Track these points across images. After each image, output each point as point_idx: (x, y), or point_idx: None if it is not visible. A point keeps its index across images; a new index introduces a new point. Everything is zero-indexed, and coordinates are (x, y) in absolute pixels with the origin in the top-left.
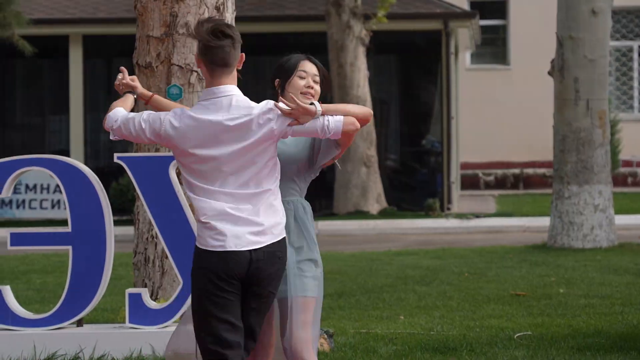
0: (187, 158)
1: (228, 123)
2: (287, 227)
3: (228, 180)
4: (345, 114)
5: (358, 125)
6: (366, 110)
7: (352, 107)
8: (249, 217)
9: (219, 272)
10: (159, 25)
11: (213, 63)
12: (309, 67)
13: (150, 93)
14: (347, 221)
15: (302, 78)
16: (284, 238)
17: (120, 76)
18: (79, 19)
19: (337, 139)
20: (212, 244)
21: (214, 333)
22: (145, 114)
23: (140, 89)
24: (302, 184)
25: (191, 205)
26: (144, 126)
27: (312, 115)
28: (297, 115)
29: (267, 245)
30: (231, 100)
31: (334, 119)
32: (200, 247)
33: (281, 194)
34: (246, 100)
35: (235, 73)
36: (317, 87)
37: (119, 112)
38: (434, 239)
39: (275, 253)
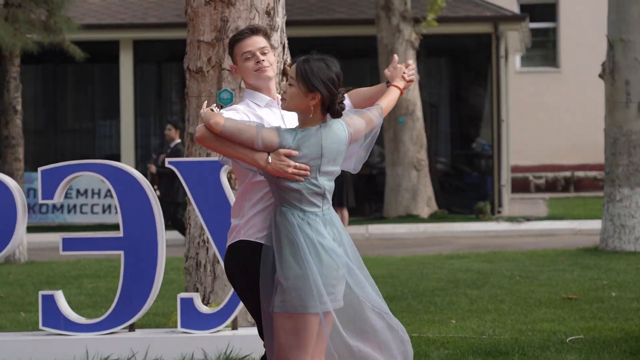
0: None
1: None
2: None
3: None
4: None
5: (197, 136)
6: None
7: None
8: None
9: None
10: (209, 30)
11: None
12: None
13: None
14: (398, 225)
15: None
16: None
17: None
18: (129, 24)
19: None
20: None
21: None
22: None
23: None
24: None
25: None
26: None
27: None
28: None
29: None
30: None
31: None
32: None
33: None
34: None
35: None
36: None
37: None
38: (484, 242)
39: None
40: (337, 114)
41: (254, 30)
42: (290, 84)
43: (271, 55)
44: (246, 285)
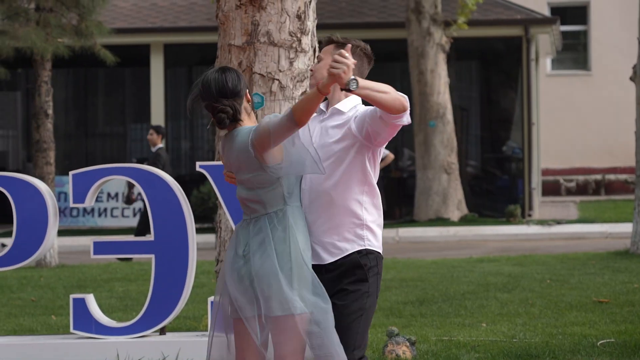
0: None
1: None
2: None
3: None
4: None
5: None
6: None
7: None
8: None
9: None
10: (240, 34)
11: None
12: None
13: None
14: (428, 228)
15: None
16: None
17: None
18: (160, 27)
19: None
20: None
21: None
22: None
23: None
24: None
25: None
26: None
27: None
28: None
29: None
30: None
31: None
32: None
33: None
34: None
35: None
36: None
37: None
38: (515, 245)
39: None
40: (218, 124)
41: (334, 41)
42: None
43: (325, 62)
44: None
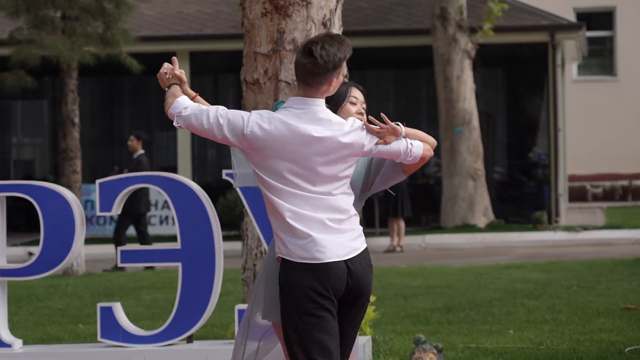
0: (272, 162)
1: (319, 135)
2: None
3: (314, 189)
4: (421, 140)
5: (432, 152)
6: (434, 141)
7: (425, 135)
8: (344, 226)
9: (317, 287)
10: (266, 42)
11: (298, 78)
12: (358, 94)
13: (194, 93)
14: (455, 235)
15: (353, 104)
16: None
17: (167, 66)
18: (185, 35)
19: (407, 164)
20: (307, 255)
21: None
22: (221, 108)
23: (186, 85)
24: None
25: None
26: (221, 122)
27: (398, 135)
28: (384, 135)
29: (362, 251)
30: (322, 114)
31: (417, 143)
32: (291, 259)
33: None
34: (335, 116)
35: (324, 91)
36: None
37: (187, 100)
38: (542, 252)
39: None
40: None
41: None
42: (362, 113)
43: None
44: None
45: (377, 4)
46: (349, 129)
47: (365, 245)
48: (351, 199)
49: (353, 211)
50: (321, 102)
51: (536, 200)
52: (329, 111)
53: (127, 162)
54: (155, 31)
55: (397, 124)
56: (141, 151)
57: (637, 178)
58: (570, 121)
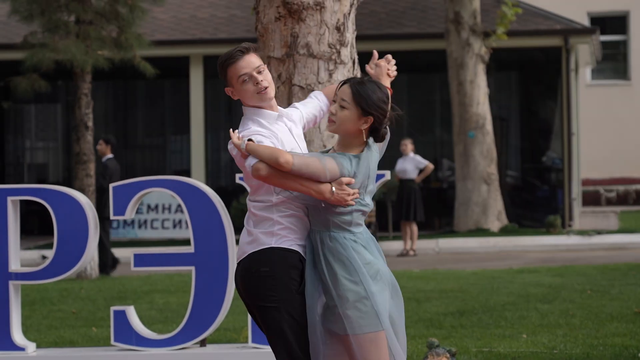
0: None
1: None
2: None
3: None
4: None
5: (263, 174)
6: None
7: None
8: (246, 229)
9: None
10: (279, 46)
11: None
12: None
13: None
14: (468, 239)
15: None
16: (260, 251)
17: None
18: (199, 39)
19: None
20: None
21: None
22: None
23: None
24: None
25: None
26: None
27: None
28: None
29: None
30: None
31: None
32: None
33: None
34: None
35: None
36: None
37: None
38: (555, 256)
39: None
40: (381, 138)
41: (244, 50)
42: (343, 107)
43: (267, 72)
44: (275, 291)
45: (391, 8)
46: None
47: (253, 249)
48: (260, 205)
49: (261, 216)
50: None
51: (550, 205)
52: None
53: (141, 165)
54: (169, 35)
55: (250, 140)
56: (109, 155)
57: None
58: (583, 125)
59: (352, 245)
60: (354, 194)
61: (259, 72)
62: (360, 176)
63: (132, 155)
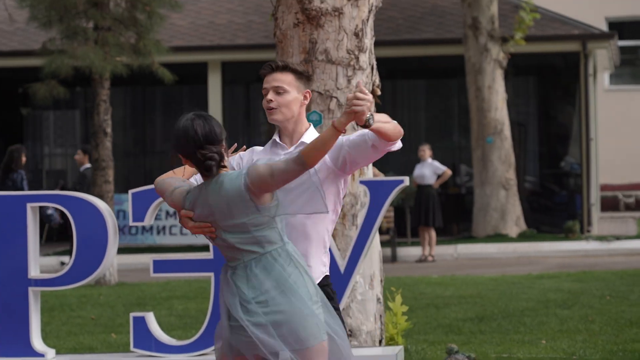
0: None
1: None
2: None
3: None
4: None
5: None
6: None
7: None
8: None
9: None
10: (298, 52)
11: None
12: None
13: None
14: (487, 244)
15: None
16: None
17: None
18: (217, 45)
19: None
20: None
21: None
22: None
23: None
24: None
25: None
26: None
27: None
28: None
29: None
30: None
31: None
32: None
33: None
34: None
35: None
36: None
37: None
38: (574, 261)
39: None
40: (206, 171)
41: (275, 67)
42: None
43: (287, 95)
44: None
45: (409, 14)
46: None
47: None
48: None
49: None
50: None
51: (568, 210)
52: None
53: (159, 171)
54: (187, 41)
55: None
56: (87, 165)
57: None
58: (602, 130)
59: (223, 277)
60: (199, 226)
61: (277, 93)
62: (199, 210)
63: (150, 161)
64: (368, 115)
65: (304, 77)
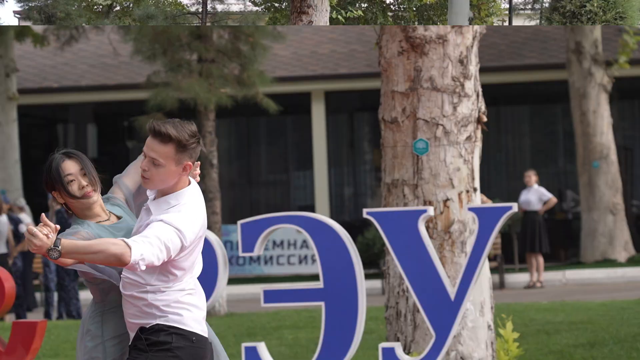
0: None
1: None
2: None
3: None
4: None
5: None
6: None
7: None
8: None
9: None
10: (403, 80)
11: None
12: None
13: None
14: (595, 269)
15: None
16: None
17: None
18: (320, 75)
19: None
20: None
21: None
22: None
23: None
24: None
25: None
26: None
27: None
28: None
29: None
30: None
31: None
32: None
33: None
34: None
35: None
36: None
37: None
38: None
39: None
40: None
41: (156, 133)
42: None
43: (163, 170)
44: None
45: (511, 40)
46: None
47: None
48: None
49: None
50: None
51: None
52: None
53: (265, 202)
54: (291, 72)
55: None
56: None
57: None
58: None
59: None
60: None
61: (153, 164)
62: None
63: (256, 191)
64: (49, 249)
65: (188, 148)
